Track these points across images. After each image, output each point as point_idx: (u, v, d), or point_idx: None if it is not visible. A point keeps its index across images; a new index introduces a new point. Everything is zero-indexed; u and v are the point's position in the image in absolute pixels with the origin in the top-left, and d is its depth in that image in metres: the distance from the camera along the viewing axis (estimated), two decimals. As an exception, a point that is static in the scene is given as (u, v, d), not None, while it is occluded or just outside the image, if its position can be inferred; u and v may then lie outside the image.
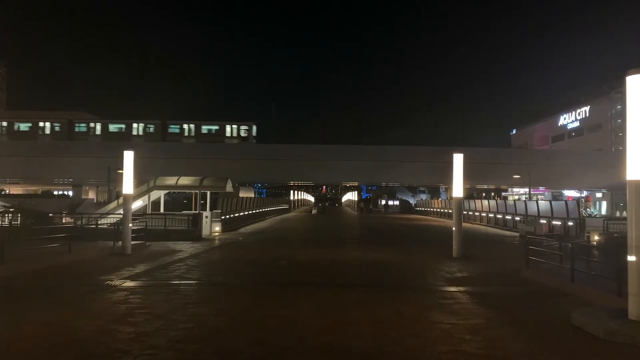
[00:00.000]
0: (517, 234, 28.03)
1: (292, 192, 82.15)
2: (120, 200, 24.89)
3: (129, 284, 9.88)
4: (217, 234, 25.07)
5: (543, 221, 27.45)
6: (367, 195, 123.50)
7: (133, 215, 24.22)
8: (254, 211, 38.79)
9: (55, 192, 65.60)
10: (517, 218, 31.42)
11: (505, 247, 21.30)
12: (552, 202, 28.56)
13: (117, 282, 9.95)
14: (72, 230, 18.92)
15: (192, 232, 22.08)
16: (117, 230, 20.75)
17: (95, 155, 41.57)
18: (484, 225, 37.43)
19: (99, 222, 23.25)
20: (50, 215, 26.82)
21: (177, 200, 44.43)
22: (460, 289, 9.73)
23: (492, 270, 12.72)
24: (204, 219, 24.08)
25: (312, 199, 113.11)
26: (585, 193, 66.95)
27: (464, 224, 39.62)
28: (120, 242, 15.82)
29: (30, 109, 72.66)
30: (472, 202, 44.07)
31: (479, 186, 59.43)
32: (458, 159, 15.84)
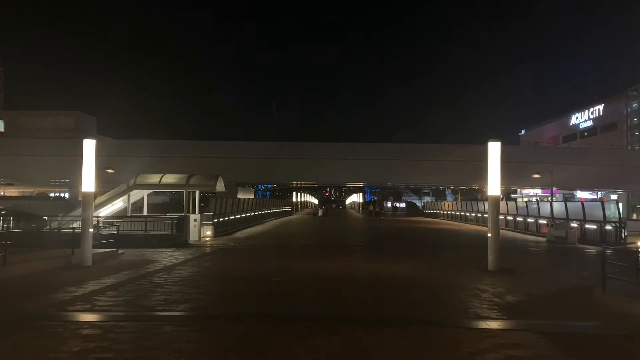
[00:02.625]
0: (542, 239, 25.03)
1: (295, 194, 79.08)
2: (97, 201, 22.02)
3: (52, 316, 6.94)
4: (208, 239, 22.26)
5: (574, 225, 24.39)
6: (371, 197, 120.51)
7: (110, 218, 21.57)
8: (252, 213, 35.86)
9: (52, 194, 63.17)
10: (542, 221, 28.33)
11: (540, 255, 18.26)
12: (585, 204, 25.45)
13: (38, 312, 7.02)
14: (25, 237, 16.16)
15: (177, 237, 19.20)
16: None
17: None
18: (501, 228, 34.18)
19: (71, 226, 20.38)
20: (45, 218, 24.23)
21: (179, 202, 41.49)
22: (527, 324, 6.75)
23: (549, 290, 9.70)
24: (192, 222, 21.19)
25: (315, 201, 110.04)
26: (599, 194, 63.76)
27: (479, 228, 36.64)
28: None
29: (27, 109, 70.46)
30: (486, 204, 41.04)
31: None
32: (494, 149, 12.83)
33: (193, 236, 21.06)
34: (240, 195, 43.55)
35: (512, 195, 77.22)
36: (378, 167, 41.59)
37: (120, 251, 15.93)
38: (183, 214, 20.48)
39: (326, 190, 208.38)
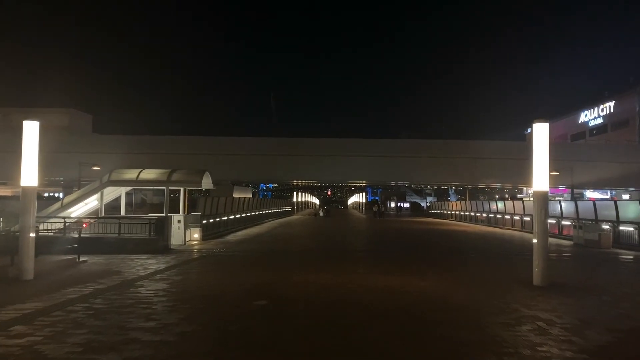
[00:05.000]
0: (567, 242, 22.45)
1: (295, 193, 76.50)
2: (66, 200, 19.38)
3: None
4: (195, 242, 19.75)
5: (606, 226, 21.65)
6: (372, 197, 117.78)
7: (82, 219, 18.90)
8: (248, 214, 33.23)
9: (46, 194, 60.84)
10: (565, 222, 25.62)
11: (580, 263, 15.52)
12: (618, 203, 22.71)
13: None
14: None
15: (156, 241, 16.56)
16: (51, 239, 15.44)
17: (86, 151, 35.46)
18: (517, 230, 31.58)
19: (40, 229, 17.71)
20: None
21: (175, 201, 38.65)
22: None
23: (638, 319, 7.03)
24: (175, 224, 18.60)
25: (317, 201, 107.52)
26: (610, 193, 61.00)
27: (493, 229, 33.88)
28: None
29: (19, 107, 68.13)
30: (499, 204, 38.34)
31: (508, 185, 53.27)
32: (541, 132, 10.13)
33: (177, 240, 18.51)
34: (236, 195, 40.91)
35: (518, 195, 74.69)
36: (382, 165, 38.79)
37: (82, 259, 13.35)
38: (163, 215, 17.82)
39: (328, 191, 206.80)
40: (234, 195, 37.18)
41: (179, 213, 19.29)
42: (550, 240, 24.68)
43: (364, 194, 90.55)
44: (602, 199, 50.33)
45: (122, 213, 19.61)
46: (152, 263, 13.03)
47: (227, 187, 42.21)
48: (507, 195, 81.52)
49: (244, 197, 36.66)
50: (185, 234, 19.13)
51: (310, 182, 59.57)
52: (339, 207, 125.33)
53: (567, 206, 27.50)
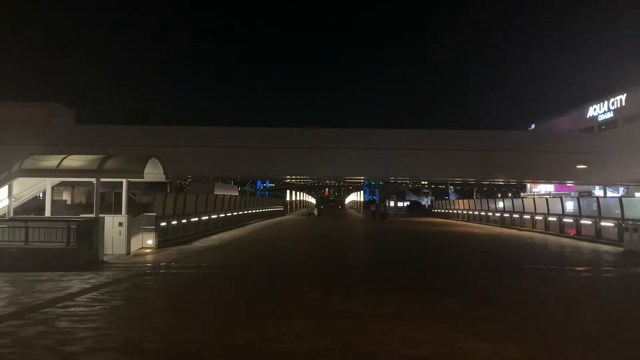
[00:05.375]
0: (608, 248, 18.10)
1: (289, 192, 71.96)
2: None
3: None
4: (148, 250, 15.39)
5: (670, 229, 17.08)
6: (370, 197, 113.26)
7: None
8: (229, 214, 28.65)
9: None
10: (606, 223, 20.97)
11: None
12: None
13: None
14: None
15: (77, 252, 11.97)
16: None
17: (66, 143, 30.51)
18: (539, 232, 26.83)
19: None
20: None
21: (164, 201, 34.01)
22: None
23: None
24: (114, 228, 14.03)
25: (314, 201, 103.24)
26: (620, 191, 56.62)
27: (506, 231, 28.94)
28: None
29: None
30: (515, 201, 33.79)
31: (528, 181, 48.54)
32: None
33: (117, 248, 14.00)
34: (219, 192, 36.29)
35: (521, 194, 70.29)
36: (381, 160, 34.02)
37: None
38: (92, 216, 13.13)
39: (325, 191, 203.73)
40: (215, 193, 32.55)
41: (121, 213, 14.61)
42: (584, 244, 20.10)
43: (361, 192, 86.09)
44: (611, 197, 45.84)
45: (48, 214, 14.91)
46: (40, 291, 8.42)
47: (208, 184, 37.66)
48: (509, 194, 77.17)
49: (227, 195, 31.99)
50: (131, 240, 14.55)
51: (303, 179, 54.93)
52: (338, 207, 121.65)
53: (607, 205, 22.80)
